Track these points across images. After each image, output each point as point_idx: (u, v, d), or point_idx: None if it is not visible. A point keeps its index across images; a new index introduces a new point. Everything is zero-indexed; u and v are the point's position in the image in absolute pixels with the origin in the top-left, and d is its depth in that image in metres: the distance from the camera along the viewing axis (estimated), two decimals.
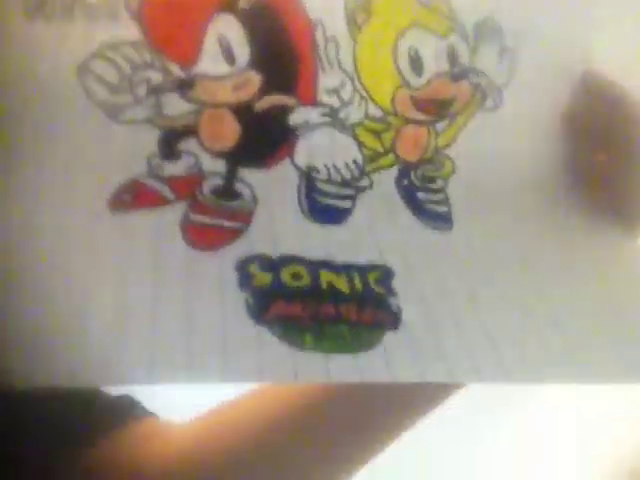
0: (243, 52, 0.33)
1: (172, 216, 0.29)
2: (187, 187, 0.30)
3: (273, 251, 0.30)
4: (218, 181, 0.31)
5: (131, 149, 0.30)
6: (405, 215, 0.34)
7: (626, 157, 0.38)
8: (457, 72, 0.37)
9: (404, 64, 0.36)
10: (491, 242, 0.36)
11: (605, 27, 0.39)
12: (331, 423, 0.35)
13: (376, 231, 0.33)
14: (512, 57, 0.38)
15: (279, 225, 0.31)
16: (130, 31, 0.31)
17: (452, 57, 0.37)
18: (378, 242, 0.32)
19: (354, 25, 0.35)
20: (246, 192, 0.31)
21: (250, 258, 0.29)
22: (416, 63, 0.36)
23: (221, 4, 0.32)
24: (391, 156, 0.36)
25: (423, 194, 0.35)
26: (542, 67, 0.39)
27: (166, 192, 0.30)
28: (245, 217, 0.31)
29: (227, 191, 0.31)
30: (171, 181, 0.30)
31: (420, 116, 0.36)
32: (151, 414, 0.38)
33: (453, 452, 0.86)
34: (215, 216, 0.30)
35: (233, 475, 0.34)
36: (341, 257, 0.31)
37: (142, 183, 0.29)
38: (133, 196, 0.29)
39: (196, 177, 0.31)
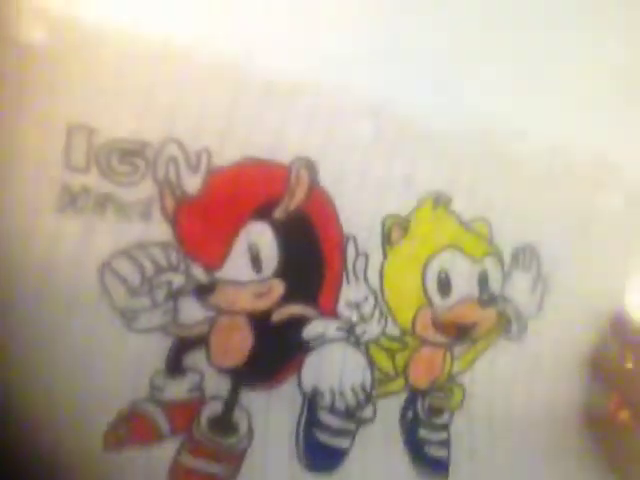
0: (271, 260, 0.33)
1: (164, 456, 0.29)
2: (185, 417, 0.30)
3: None
4: (218, 408, 0.31)
5: (137, 364, 0.30)
6: (402, 459, 0.34)
7: None
8: (486, 298, 0.37)
9: (432, 285, 0.36)
10: None
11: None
12: None
13: None
14: (545, 287, 0.38)
15: (270, 473, 0.31)
16: (161, 232, 0.31)
17: (483, 282, 0.37)
18: None
19: (388, 241, 0.35)
20: (243, 424, 0.32)
21: None
22: (445, 286, 0.36)
23: (256, 212, 0.33)
24: (401, 381, 0.36)
25: (425, 432, 0.35)
26: (572, 302, 0.39)
27: (162, 424, 0.30)
28: (237, 458, 0.31)
29: (224, 423, 0.31)
30: (170, 409, 0.30)
31: (439, 338, 0.36)
32: None
33: None
34: (207, 458, 0.30)
35: None
36: None
37: (140, 411, 0.29)
38: (129, 428, 0.29)
39: (196, 402, 0.31)
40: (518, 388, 0.37)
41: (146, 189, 0.31)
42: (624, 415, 0.37)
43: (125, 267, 0.31)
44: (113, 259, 0.30)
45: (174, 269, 0.32)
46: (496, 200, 0.37)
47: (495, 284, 0.37)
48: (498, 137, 0.37)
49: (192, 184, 0.31)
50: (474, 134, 0.36)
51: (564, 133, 0.38)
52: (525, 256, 0.38)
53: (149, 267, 0.31)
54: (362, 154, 0.34)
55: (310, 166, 0.33)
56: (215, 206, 0.32)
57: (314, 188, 0.33)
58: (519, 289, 0.38)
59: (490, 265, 0.37)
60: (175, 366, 0.31)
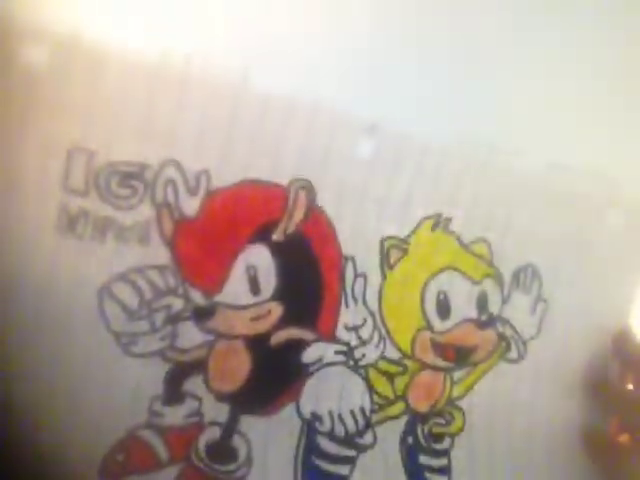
0: (269, 283, 0.33)
1: None
2: (183, 444, 0.30)
3: None
4: (216, 433, 0.31)
5: (135, 390, 0.30)
6: None
7: None
8: (485, 320, 0.37)
9: (431, 307, 0.37)
10: None
11: None
12: None
13: None
14: (545, 309, 0.38)
15: None
16: (159, 255, 0.32)
17: (482, 304, 0.37)
18: None
19: (386, 262, 0.36)
20: (242, 450, 0.32)
21: None
22: (443, 307, 0.37)
23: (255, 235, 0.33)
24: (401, 405, 0.36)
25: (425, 458, 0.35)
26: (573, 322, 0.39)
27: (161, 451, 0.30)
28: None
29: (223, 449, 0.31)
30: (168, 435, 0.30)
31: (439, 362, 0.37)
32: None
33: None
34: None
35: None
36: None
37: (139, 438, 0.30)
38: (127, 455, 0.29)
39: (194, 428, 0.31)
40: (518, 411, 0.38)
41: (144, 212, 0.31)
42: (624, 439, 0.37)
43: (123, 291, 0.31)
44: (111, 283, 0.31)
45: (173, 293, 0.32)
46: (496, 220, 0.38)
47: (494, 306, 0.38)
48: (497, 155, 0.38)
49: (190, 206, 0.32)
50: (473, 152, 0.37)
51: (563, 151, 0.39)
52: (526, 276, 0.38)
53: (148, 291, 0.31)
54: (361, 173, 0.34)
55: (308, 187, 0.34)
56: (213, 228, 0.32)
57: (312, 209, 0.34)
58: (519, 310, 0.38)
59: (490, 286, 0.37)
60: (173, 391, 0.31)
